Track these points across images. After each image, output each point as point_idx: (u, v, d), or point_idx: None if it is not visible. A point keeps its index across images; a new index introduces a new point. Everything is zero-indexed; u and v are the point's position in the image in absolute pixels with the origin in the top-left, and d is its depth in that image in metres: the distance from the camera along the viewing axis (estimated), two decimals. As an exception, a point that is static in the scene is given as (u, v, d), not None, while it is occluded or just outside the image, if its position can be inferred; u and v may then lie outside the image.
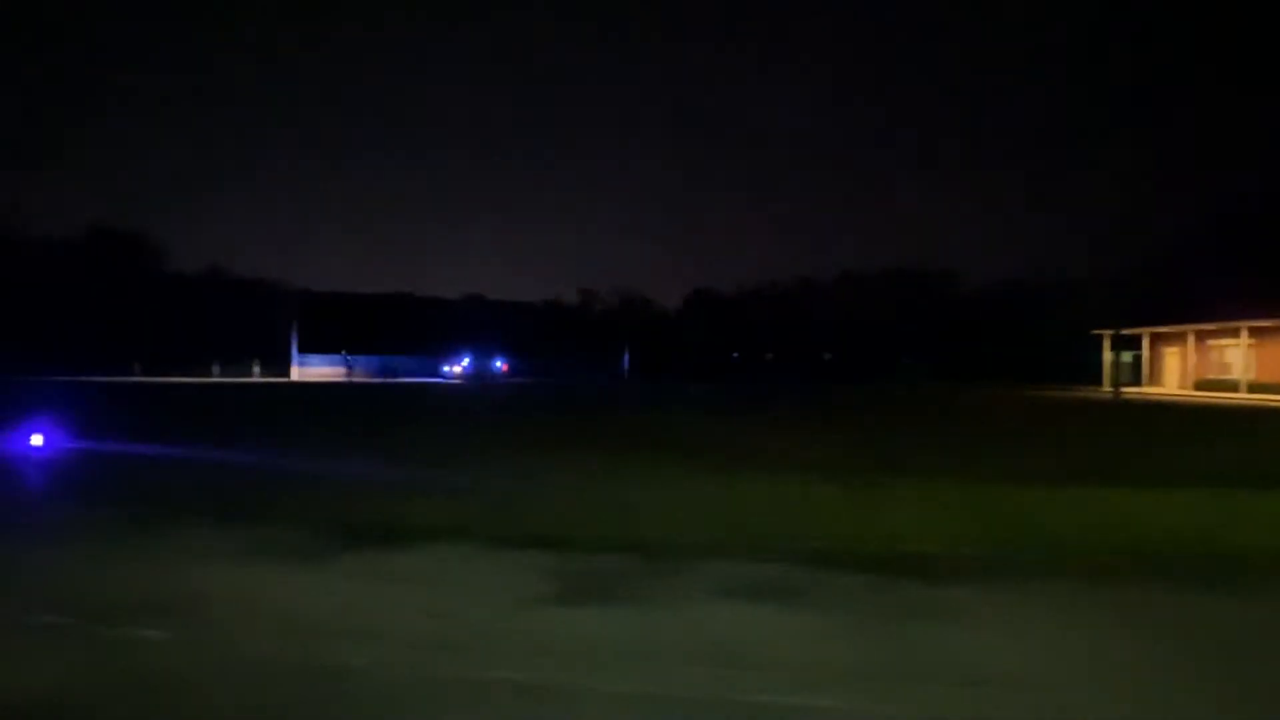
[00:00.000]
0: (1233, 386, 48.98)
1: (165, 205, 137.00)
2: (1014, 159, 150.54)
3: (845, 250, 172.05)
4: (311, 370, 76.19)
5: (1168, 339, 57.33)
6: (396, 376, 70.91)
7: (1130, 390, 51.99)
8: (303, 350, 78.39)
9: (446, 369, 73.50)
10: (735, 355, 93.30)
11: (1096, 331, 59.63)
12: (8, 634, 6.09)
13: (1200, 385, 52.12)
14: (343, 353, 75.54)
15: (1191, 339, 53.92)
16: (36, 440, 17.10)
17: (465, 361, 73.08)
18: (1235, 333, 49.55)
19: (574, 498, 12.18)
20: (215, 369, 72.53)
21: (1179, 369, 55.96)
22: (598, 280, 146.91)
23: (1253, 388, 47.45)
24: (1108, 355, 58.97)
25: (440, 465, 15.65)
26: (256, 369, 76.04)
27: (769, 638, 6.23)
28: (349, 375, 72.64)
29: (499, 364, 74.91)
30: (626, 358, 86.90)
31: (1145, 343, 59.25)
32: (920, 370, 75.97)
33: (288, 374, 75.19)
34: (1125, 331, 57.09)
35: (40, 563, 8.30)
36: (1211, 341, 52.67)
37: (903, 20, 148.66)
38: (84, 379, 52.06)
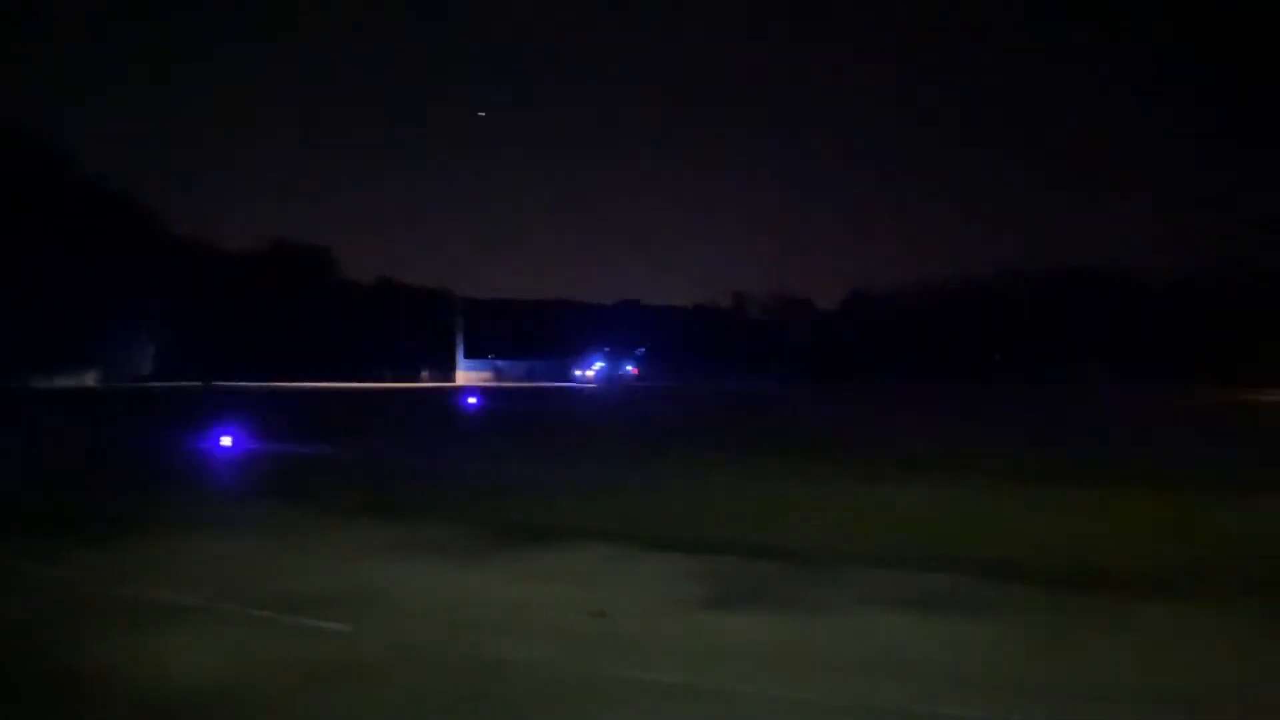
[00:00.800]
0: None
1: (340, 219, 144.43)
2: (1190, 153, 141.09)
3: (1008, 248, 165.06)
4: (473, 375, 78.82)
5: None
6: (537, 380, 72.76)
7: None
8: (467, 356, 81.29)
9: (577, 373, 74.56)
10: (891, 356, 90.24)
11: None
12: (204, 621, 6.55)
13: None
14: (490, 357, 77.97)
15: None
16: (226, 441, 18.39)
17: (597, 366, 73.91)
18: None
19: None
20: (386, 374, 75.83)
21: None
22: (753, 282, 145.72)
23: None
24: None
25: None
26: (425, 374, 79.22)
27: (923, 646, 6.09)
28: (498, 379, 74.80)
29: (629, 368, 75.44)
30: (780, 360, 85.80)
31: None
32: (1098, 372, 71.69)
33: (453, 379, 77.96)
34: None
35: (230, 555, 8.89)
36: None
37: (1073, 20, 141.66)
38: (267, 384, 55.53)
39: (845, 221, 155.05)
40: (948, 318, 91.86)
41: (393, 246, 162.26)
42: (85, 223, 50.15)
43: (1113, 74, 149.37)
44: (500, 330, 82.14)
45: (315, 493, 12.85)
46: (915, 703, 5.01)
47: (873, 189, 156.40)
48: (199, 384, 47.43)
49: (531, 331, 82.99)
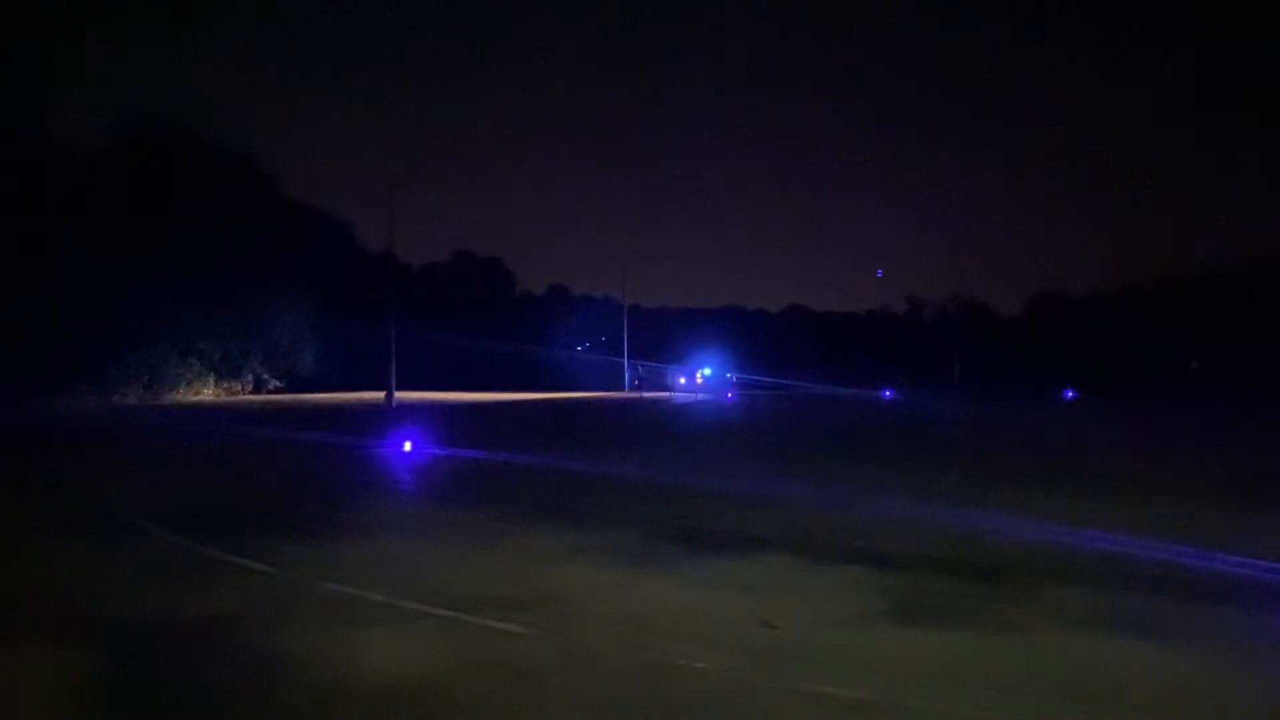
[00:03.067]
0: None
1: (516, 231, 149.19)
2: None
3: (1209, 247, 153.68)
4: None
5: None
6: (673, 391, 72.93)
7: None
8: (630, 365, 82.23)
9: (682, 380, 73.53)
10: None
11: None
12: (387, 620, 6.86)
13: None
14: (638, 367, 78.57)
15: None
16: (406, 447, 19.43)
17: (705, 371, 72.75)
18: None
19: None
20: (555, 383, 77.42)
21: None
22: (930, 287, 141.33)
23: None
24: None
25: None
26: (592, 382, 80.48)
27: (1117, 669, 5.74)
28: (639, 388, 75.10)
29: (729, 376, 73.97)
30: (957, 368, 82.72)
31: None
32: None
33: (621, 388, 78.96)
34: None
35: (415, 555, 9.29)
36: None
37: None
38: (444, 394, 57.90)
39: (1032, 221, 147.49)
40: (1141, 322, 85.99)
41: (563, 254, 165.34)
42: (284, 237, 53.55)
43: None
44: (666, 338, 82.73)
45: (495, 497, 13.29)
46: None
47: (1064, 185, 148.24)
48: (382, 394, 49.67)
49: (694, 339, 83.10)
